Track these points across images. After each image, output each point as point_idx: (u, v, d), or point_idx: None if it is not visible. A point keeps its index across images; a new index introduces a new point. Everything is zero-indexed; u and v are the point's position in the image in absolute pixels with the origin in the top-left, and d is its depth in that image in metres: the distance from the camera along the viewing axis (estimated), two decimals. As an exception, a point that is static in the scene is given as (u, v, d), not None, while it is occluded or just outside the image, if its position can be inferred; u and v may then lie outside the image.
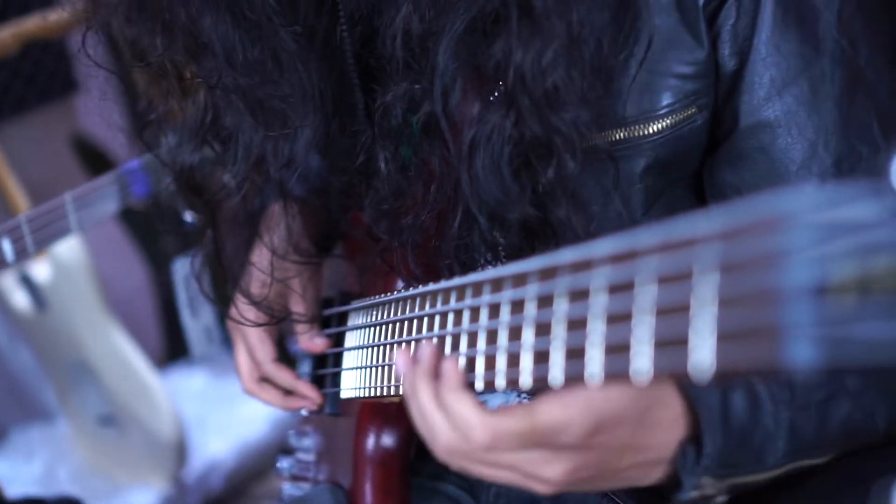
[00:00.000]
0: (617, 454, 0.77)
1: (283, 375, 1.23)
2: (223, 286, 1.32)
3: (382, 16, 0.97)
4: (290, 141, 1.05)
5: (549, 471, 0.75)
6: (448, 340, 0.81)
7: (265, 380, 1.26)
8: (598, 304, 0.56)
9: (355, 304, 1.14)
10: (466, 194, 0.94)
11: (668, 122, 0.93)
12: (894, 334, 0.36)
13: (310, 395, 1.22)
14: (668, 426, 0.79)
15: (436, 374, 0.78)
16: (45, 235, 1.55)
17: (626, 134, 0.94)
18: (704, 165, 0.98)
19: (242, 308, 1.21)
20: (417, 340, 0.90)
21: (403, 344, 0.94)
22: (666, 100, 0.93)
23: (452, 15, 0.91)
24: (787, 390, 0.84)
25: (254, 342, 1.23)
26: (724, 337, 0.44)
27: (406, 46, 0.94)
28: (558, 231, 0.93)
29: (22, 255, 1.51)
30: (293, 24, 1.00)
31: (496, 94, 0.91)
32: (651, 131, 0.94)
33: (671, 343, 0.48)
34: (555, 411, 0.71)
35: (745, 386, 0.82)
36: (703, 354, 0.46)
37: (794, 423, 0.84)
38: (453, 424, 0.74)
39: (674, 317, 0.48)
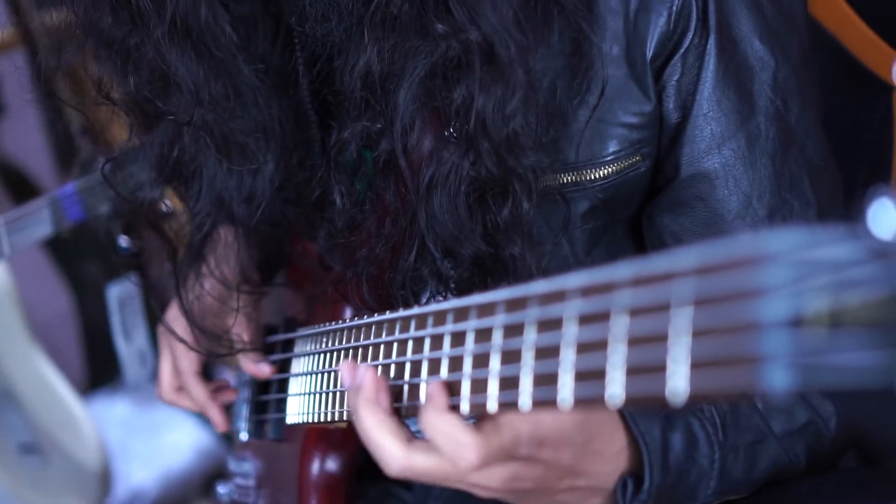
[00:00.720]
0: (557, 473, 0.79)
1: (198, 390, 1.24)
2: (158, 312, 1.32)
3: (343, 55, 0.99)
4: (252, 175, 1.06)
5: (492, 479, 0.77)
6: (407, 367, 0.83)
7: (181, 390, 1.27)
8: (571, 333, 0.59)
9: (302, 331, 1.16)
10: (422, 229, 0.97)
11: (614, 168, 0.98)
12: (863, 362, 0.40)
13: (216, 420, 1.24)
14: (610, 458, 0.83)
15: (375, 400, 0.81)
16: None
17: (575, 178, 0.98)
18: (644, 209, 1.04)
19: (178, 325, 1.22)
20: (364, 349, 0.93)
21: (349, 354, 0.97)
22: (613, 147, 0.98)
23: (414, 59, 0.94)
24: (721, 433, 0.89)
25: (180, 352, 1.24)
26: (701, 364, 0.48)
27: (366, 86, 0.97)
28: (510, 267, 0.96)
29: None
30: (254, 61, 1.02)
31: (454, 133, 0.94)
32: (597, 176, 0.98)
33: (646, 370, 0.52)
34: (519, 423, 0.74)
35: (683, 427, 0.87)
36: (678, 381, 0.49)
37: (726, 464, 0.89)
38: (442, 446, 0.76)
39: (650, 345, 0.52)
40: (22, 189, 2.38)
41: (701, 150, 0.96)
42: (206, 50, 1.00)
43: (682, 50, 0.95)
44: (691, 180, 0.97)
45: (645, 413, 0.85)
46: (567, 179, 0.98)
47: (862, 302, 0.39)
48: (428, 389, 0.77)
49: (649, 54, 0.95)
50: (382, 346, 0.89)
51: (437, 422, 0.75)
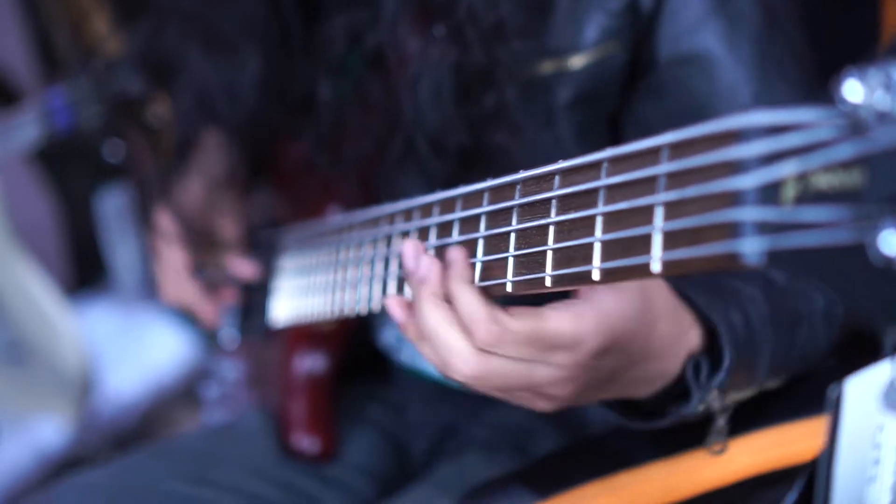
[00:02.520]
0: (625, 369, 0.75)
1: (189, 288, 1.26)
2: (149, 218, 1.33)
3: None
4: (236, 70, 1.07)
5: (562, 390, 0.73)
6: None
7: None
8: (553, 213, 0.62)
9: (288, 230, 1.17)
10: (409, 122, 0.98)
11: (592, 55, 0.98)
12: (829, 221, 0.42)
13: (207, 317, 1.26)
14: (676, 339, 0.77)
15: (442, 294, 0.73)
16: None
17: (554, 67, 0.98)
18: (624, 104, 1.03)
19: (168, 227, 1.23)
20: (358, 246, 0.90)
21: (342, 250, 0.94)
22: (590, 34, 0.97)
23: None
24: (767, 309, 0.85)
25: (172, 250, 1.26)
26: (678, 234, 0.50)
27: None
28: (493, 159, 0.97)
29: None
30: None
31: (441, 24, 0.95)
32: (575, 65, 0.98)
33: (627, 243, 0.54)
34: (563, 322, 0.68)
35: (737, 305, 0.82)
36: (656, 251, 0.52)
37: (776, 342, 0.85)
38: (460, 316, 0.70)
39: (630, 220, 0.54)
40: (4, 94, 2.35)
41: (679, 33, 0.95)
42: None
43: None
44: (669, 66, 0.97)
45: (704, 292, 0.80)
46: (548, 69, 0.98)
47: (829, 168, 0.41)
48: (450, 257, 0.72)
49: None
50: (377, 240, 0.88)
51: (456, 290, 0.71)
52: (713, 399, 0.79)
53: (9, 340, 2.15)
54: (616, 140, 1.05)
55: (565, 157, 0.88)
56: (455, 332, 0.71)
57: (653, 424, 0.83)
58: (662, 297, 0.75)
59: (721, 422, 0.82)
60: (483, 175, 0.74)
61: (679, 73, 0.96)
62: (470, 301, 0.69)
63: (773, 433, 0.87)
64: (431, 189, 0.82)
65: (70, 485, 1.09)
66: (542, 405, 0.76)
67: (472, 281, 0.71)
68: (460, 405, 1.20)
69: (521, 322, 0.68)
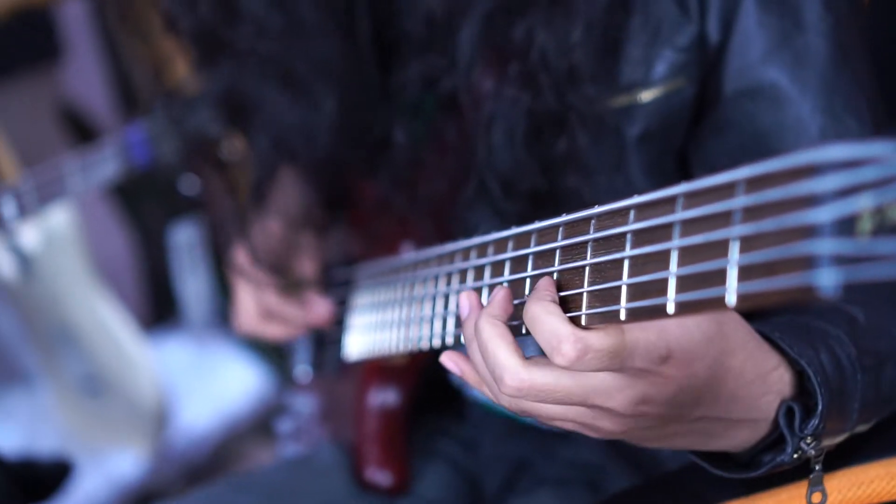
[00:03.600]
0: (691, 395, 0.72)
1: (292, 311, 1.27)
2: (222, 253, 1.36)
3: None
4: (313, 112, 1.10)
5: (617, 399, 0.70)
6: (485, 292, 0.82)
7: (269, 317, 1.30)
8: (628, 248, 0.63)
9: (362, 267, 1.19)
10: (481, 165, 1.00)
11: (661, 90, 0.99)
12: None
13: (322, 313, 1.25)
14: (754, 380, 0.74)
15: (502, 317, 0.74)
16: (45, 196, 1.58)
17: (624, 102, 0.99)
18: (692, 138, 1.04)
19: (246, 265, 1.25)
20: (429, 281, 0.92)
21: (413, 286, 0.97)
22: (659, 69, 0.98)
23: None
24: (855, 352, 0.82)
25: (249, 291, 1.28)
26: (753, 268, 0.51)
27: (428, 26, 1.00)
28: (566, 201, 0.98)
29: (23, 213, 1.54)
30: None
31: (515, 69, 0.97)
32: (644, 99, 0.99)
33: (702, 276, 0.55)
34: (634, 331, 0.67)
35: (826, 348, 0.79)
36: (731, 284, 0.52)
37: (865, 385, 0.82)
38: (538, 335, 0.70)
39: (705, 254, 0.55)
40: (83, 131, 2.43)
41: (744, 68, 0.96)
42: None
43: None
44: (736, 99, 0.97)
45: (791, 334, 0.77)
46: (618, 104, 0.99)
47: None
48: (538, 283, 0.73)
49: None
50: (451, 275, 0.89)
51: (539, 312, 0.70)
52: (808, 446, 0.77)
53: (87, 373, 2.20)
54: (684, 175, 1.06)
55: (635, 193, 0.88)
56: (507, 348, 0.72)
57: (747, 474, 0.80)
58: (739, 332, 0.73)
59: (817, 469, 0.80)
60: (555, 214, 0.75)
61: (745, 106, 0.97)
62: (555, 321, 0.69)
63: (857, 472, 0.85)
64: (504, 228, 0.83)
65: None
66: (603, 425, 0.73)
67: (552, 302, 0.71)
68: (532, 441, 1.20)
69: (606, 339, 0.67)
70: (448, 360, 0.82)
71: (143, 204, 2.43)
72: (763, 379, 0.75)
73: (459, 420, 1.27)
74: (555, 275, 0.73)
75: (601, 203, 0.69)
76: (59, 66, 2.51)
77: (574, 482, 1.17)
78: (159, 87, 1.40)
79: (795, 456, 0.77)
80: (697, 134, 1.02)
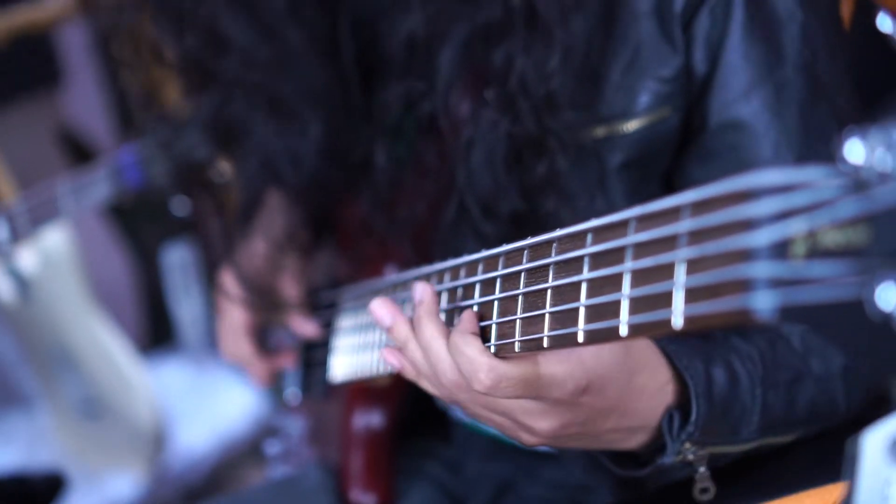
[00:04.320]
0: (602, 415, 0.81)
1: (244, 347, 1.31)
2: (214, 274, 1.37)
3: (387, 19, 1.03)
4: (299, 137, 1.11)
5: (541, 423, 0.80)
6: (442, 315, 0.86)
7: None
8: (585, 271, 0.63)
9: (346, 289, 1.20)
10: (461, 187, 1.01)
11: (645, 120, 1.00)
12: (837, 278, 0.44)
13: (258, 376, 1.32)
14: (653, 394, 0.83)
15: (436, 312, 0.83)
16: (38, 218, 1.60)
17: (606, 131, 1.01)
18: (676, 163, 1.05)
19: (232, 287, 1.27)
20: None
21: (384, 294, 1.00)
22: (644, 99, 1.00)
23: (457, 22, 0.98)
24: (761, 368, 0.90)
25: (232, 309, 1.30)
26: (697, 291, 0.52)
27: (409, 49, 1.01)
28: (546, 224, 0.99)
29: (16, 237, 1.56)
30: (301, 26, 1.07)
31: (493, 94, 0.98)
32: (628, 129, 1.01)
33: (651, 299, 0.56)
34: (553, 365, 0.76)
35: (724, 363, 0.88)
36: (678, 307, 0.53)
37: (766, 400, 0.90)
38: (461, 365, 0.78)
39: (654, 277, 0.56)
40: (82, 154, 2.45)
41: (729, 100, 0.98)
42: (256, 14, 1.05)
43: (710, 2, 0.97)
44: (720, 130, 0.99)
45: (685, 350, 0.85)
46: (600, 133, 1.00)
47: (836, 226, 0.43)
48: (461, 315, 0.81)
49: (678, 8, 0.97)
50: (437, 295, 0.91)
51: (461, 343, 0.77)
52: (688, 451, 0.85)
53: (85, 396, 2.21)
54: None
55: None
56: (446, 350, 0.79)
57: (633, 473, 0.89)
58: (644, 351, 0.82)
59: (702, 469, 0.88)
60: (535, 237, 0.78)
61: (727, 138, 0.99)
62: (471, 351, 0.77)
63: (792, 500, 0.87)
64: (485, 248, 0.85)
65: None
66: (526, 438, 0.83)
67: (475, 333, 0.78)
68: (516, 461, 1.21)
69: (520, 368, 0.75)
70: (389, 355, 0.88)
71: (140, 224, 2.45)
72: (661, 390, 0.84)
73: (444, 441, 1.28)
74: (520, 297, 0.74)
75: None
76: (58, 91, 2.54)
77: (557, 502, 1.17)
78: (150, 111, 1.41)
79: (678, 458, 0.86)
80: (682, 161, 1.04)
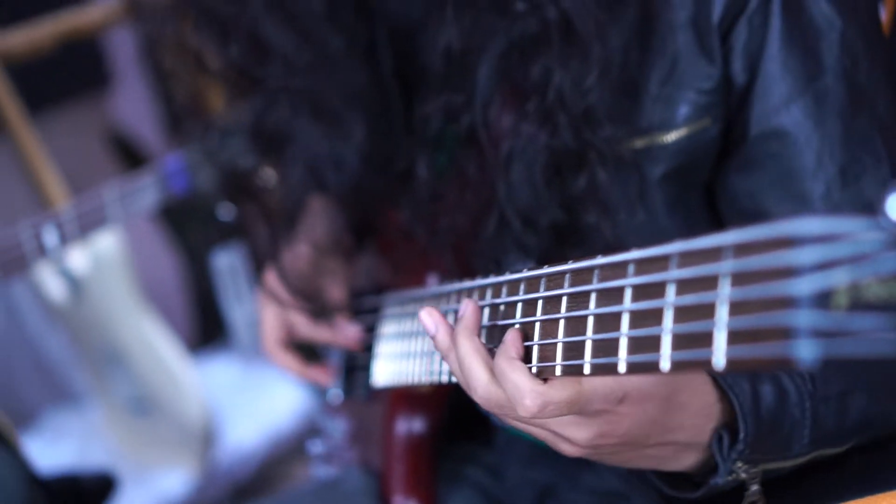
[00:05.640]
0: (643, 428, 0.81)
1: (322, 332, 1.30)
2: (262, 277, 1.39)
3: (425, 32, 1.04)
4: (342, 142, 1.12)
5: (577, 434, 0.80)
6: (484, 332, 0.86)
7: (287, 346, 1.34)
8: (627, 303, 0.64)
9: (389, 295, 1.21)
10: (502, 199, 1.01)
11: (685, 131, 1.00)
12: (878, 334, 0.44)
13: (351, 337, 1.29)
14: (699, 412, 0.83)
15: (475, 329, 0.84)
16: (86, 225, 1.63)
17: (646, 143, 1.00)
18: (716, 173, 1.05)
19: (277, 288, 1.28)
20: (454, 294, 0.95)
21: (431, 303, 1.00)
22: (683, 111, 0.99)
23: (494, 36, 0.98)
24: (810, 383, 0.89)
25: (273, 322, 1.32)
26: (739, 334, 0.52)
27: (447, 62, 1.01)
28: (587, 236, 0.99)
29: (65, 242, 1.58)
30: (341, 33, 1.09)
31: (532, 107, 0.98)
32: (668, 140, 1.00)
33: (693, 337, 0.56)
34: (594, 381, 0.76)
35: (771, 378, 0.87)
36: (720, 348, 0.53)
37: (817, 414, 0.89)
38: (507, 390, 0.78)
39: (696, 314, 0.56)
40: (132, 157, 2.48)
41: (769, 110, 0.98)
42: (296, 20, 1.06)
43: (747, 12, 0.96)
44: (761, 140, 0.99)
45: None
46: (640, 145, 1.00)
47: (878, 280, 0.42)
48: (505, 337, 0.81)
49: (716, 18, 0.97)
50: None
51: (505, 366, 0.78)
52: (740, 469, 0.85)
53: (135, 394, 2.24)
54: (710, 211, 1.06)
55: (658, 228, 0.91)
56: (483, 370, 0.81)
57: (686, 494, 0.89)
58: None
59: (753, 488, 0.88)
60: (576, 249, 0.78)
61: (769, 148, 0.98)
62: (518, 376, 0.78)
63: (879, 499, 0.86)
64: (527, 261, 0.86)
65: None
66: (566, 448, 0.83)
67: (520, 357, 0.79)
68: (558, 468, 1.21)
69: (563, 391, 0.76)
70: (426, 315, 0.88)
71: (189, 228, 2.48)
72: (707, 410, 0.84)
73: (486, 446, 1.28)
74: (562, 322, 0.74)
75: (624, 238, 0.71)
76: (107, 95, 2.57)
77: (602, 510, 1.17)
78: (196, 119, 1.43)
79: (730, 477, 0.86)
80: (722, 170, 1.03)
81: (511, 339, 0.80)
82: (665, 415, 0.81)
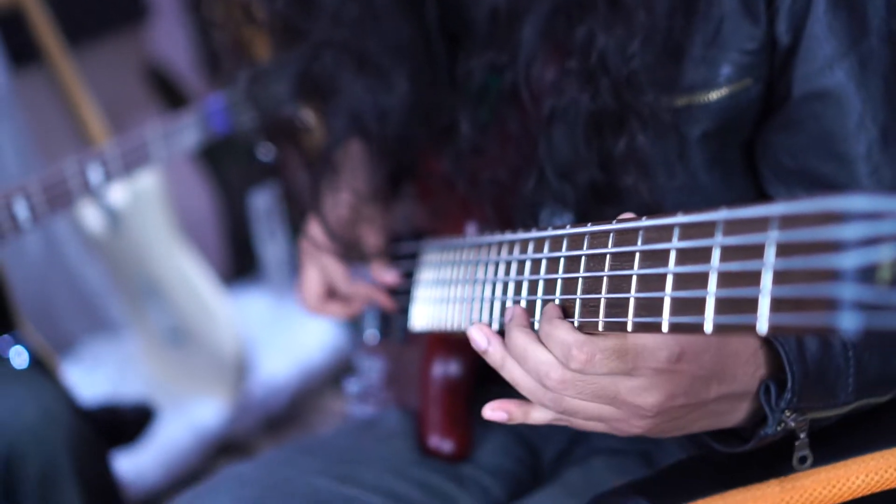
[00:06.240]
0: (704, 382, 0.81)
1: (361, 287, 1.32)
2: (297, 219, 1.41)
3: None
4: (386, 93, 1.14)
5: (648, 398, 0.80)
6: (541, 285, 0.88)
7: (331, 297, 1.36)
8: (672, 264, 0.66)
9: (427, 242, 1.23)
10: (541, 157, 1.03)
11: (726, 91, 1.01)
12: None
13: (386, 302, 1.31)
14: (748, 359, 0.84)
15: (527, 325, 0.85)
16: (130, 163, 1.65)
17: (688, 102, 1.02)
18: (757, 132, 1.06)
19: (318, 235, 1.31)
20: (517, 283, 0.95)
21: (474, 268, 1.02)
22: (725, 71, 1.01)
23: None
24: None
25: (328, 263, 1.33)
26: (783, 302, 0.54)
27: (493, 20, 1.03)
28: (625, 196, 1.01)
29: (109, 179, 1.61)
30: None
31: (575, 67, 0.99)
32: (710, 99, 1.01)
33: (737, 302, 0.58)
34: (640, 336, 0.77)
35: None
36: (763, 314, 0.56)
37: (861, 362, 0.90)
38: (554, 350, 0.80)
39: (740, 281, 0.58)
40: (169, 91, 2.50)
41: (813, 71, 0.98)
42: None
43: None
44: (804, 100, 1.00)
45: None
46: (681, 103, 1.01)
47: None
48: (544, 309, 0.83)
49: None
50: (514, 264, 0.94)
51: (549, 329, 0.80)
52: (789, 419, 0.86)
53: (171, 326, 2.29)
54: (749, 169, 1.07)
55: (697, 185, 0.92)
56: (542, 349, 0.82)
57: (737, 448, 0.89)
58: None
59: (802, 436, 0.88)
60: (614, 207, 0.79)
61: (812, 108, 0.99)
62: (561, 333, 0.79)
63: (887, 455, 0.89)
64: (564, 215, 0.87)
65: (224, 476, 1.18)
66: (635, 422, 0.82)
67: (559, 318, 0.81)
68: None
69: (609, 339, 0.77)
70: (476, 332, 0.90)
71: (227, 166, 2.50)
72: (754, 356, 0.85)
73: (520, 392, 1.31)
74: (605, 279, 0.77)
75: (664, 197, 0.72)
76: (144, 28, 2.58)
77: (628, 453, 1.21)
78: (239, 62, 1.45)
79: (779, 427, 0.86)
80: (764, 129, 1.04)
81: (550, 307, 0.82)
82: (721, 365, 0.82)
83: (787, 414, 0.86)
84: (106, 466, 1.60)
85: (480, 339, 0.88)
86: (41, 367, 1.61)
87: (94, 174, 1.60)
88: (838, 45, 0.98)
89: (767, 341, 0.85)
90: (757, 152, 1.06)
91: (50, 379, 1.58)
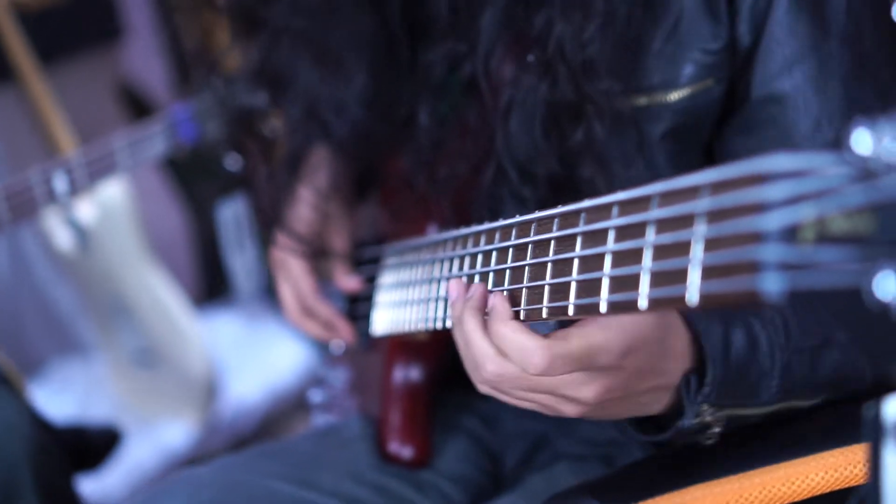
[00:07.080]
0: (641, 376, 0.82)
1: (323, 309, 1.31)
2: (266, 229, 1.40)
3: None
4: (343, 85, 1.14)
5: (585, 392, 0.81)
6: (491, 277, 0.88)
7: (307, 313, 1.34)
8: (610, 244, 0.66)
9: (389, 245, 1.23)
10: (500, 149, 1.03)
11: (688, 91, 1.01)
12: (842, 265, 0.45)
13: (344, 332, 1.31)
14: (678, 355, 0.85)
15: (482, 309, 0.84)
16: (95, 172, 1.64)
17: (649, 101, 1.02)
18: (717, 133, 1.06)
19: (285, 243, 1.30)
20: (469, 277, 0.97)
21: (433, 266, 1.02)
22: (687, 70, 1.01)
23: None
24: (783, 335, 0.91)
25: (297, 275, 1.32)
26: (712, 269, 0.54)
27: (452, 10, 1.03)
28: (583, 189, 1.01)
29: (74, 188, 1.60)
30: None
31: (533, 58, 0.99)
32: (671, 99, 1.02)
33: (669, 274, 0.58)
34: (598, 334, 0.77)
35: (744, 327, 0.89)
36: (693, 283, 0.55)
37: (789, 365, 0.91)
38: (510, 352, 0.79)
39: (673, 252, 0.58)
40: (142, 110, 2.50)
41: (772, 72, 0.99)
42: None
43: None
44: (763, 102, 1.00)
45: (706, 314, 0.86)
46: (641, 102, 1.02)
47: (843, 213, 0.44)
48: (493, 303, 0.82)
49: None
50: (466, 259, 0.94)
51: (504, 330, 0.80)
52: (706, 412, 0.87)
53: (140, 346, 2.27)
54: (711, 164, 1.08)
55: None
56: (486, 342, 0.82)
57: (654, 438, 0.91)
58: (672, 313, 0.83)
59: (715, 430, 0.89)
60: (572, 201, 0.79)
61: (769, 110, 1.00)
62: (519, 337, 0.79)
63: (847, 452, 0.89)
64: (523, 211, 0.87)
65: (181, 478, 1.17)
66: (569, 409, 0.84)
67: (513, 318, 0.80)
68: (553, 419, 1.23)
69: (571, 344, 0.76)
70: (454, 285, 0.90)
71: (195, 180, 2.50)
72: (683, 352, 0.86)
73: (482, 396, 1.30)
74: (549, 265, 0.76)
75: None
76: (119, 46, 2.58)
77: (590, 458, 1.20)
78: (204, 62, 1.45)
79: (697, 420, 0.87)
80: (723, 131, 1.05)
81: (499, 302, 0.82)
82: (658, 360, 0.83)
83: (705, 407, 0.87)
84: (68, 482, 1.58)
85: (451, 291, 0.89)
86: (4, 382, 1.59)
87: (60, 182, 1.59)
88: (798, 48, 0.98)
89: (695, 336, 0.86)
90: (716, 153, 1.06)
91: (12, 392, 1.56)
